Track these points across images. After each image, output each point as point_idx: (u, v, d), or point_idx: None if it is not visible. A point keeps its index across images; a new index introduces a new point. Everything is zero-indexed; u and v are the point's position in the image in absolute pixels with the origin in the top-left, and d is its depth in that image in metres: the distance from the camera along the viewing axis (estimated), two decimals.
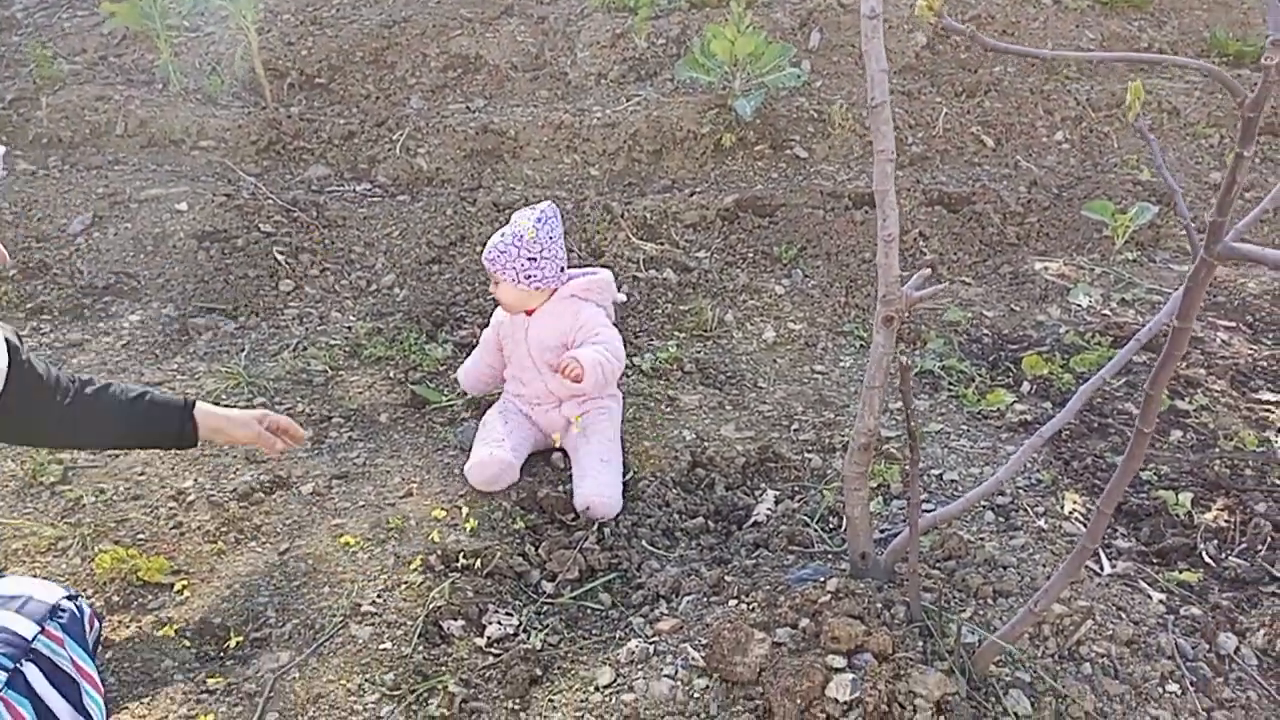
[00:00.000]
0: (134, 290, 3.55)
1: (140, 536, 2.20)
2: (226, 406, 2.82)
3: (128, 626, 1.93)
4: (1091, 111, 4.80)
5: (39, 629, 1.59)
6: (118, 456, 2.56)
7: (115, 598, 2.01)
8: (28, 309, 3.41)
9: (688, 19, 5.18)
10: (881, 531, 2.27)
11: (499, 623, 1.94)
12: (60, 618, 1.65)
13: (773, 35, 4.88)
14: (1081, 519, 2.35)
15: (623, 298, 2.82)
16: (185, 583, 2.06)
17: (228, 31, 4.99)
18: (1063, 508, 2.38)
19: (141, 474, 2.46)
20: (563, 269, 2.63)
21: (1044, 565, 2.06)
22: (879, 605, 1.81)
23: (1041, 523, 2.29)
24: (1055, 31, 5.30)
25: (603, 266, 3.72)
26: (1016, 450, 2.63)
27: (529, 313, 2.63)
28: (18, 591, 1.65)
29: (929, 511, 2.02)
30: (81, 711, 1.59)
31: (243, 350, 3.19)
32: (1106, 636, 1.86)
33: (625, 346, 3.28)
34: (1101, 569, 2.12)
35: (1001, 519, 2.31)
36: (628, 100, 4.73)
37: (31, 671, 1.55)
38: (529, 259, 2.55)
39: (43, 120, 4.48)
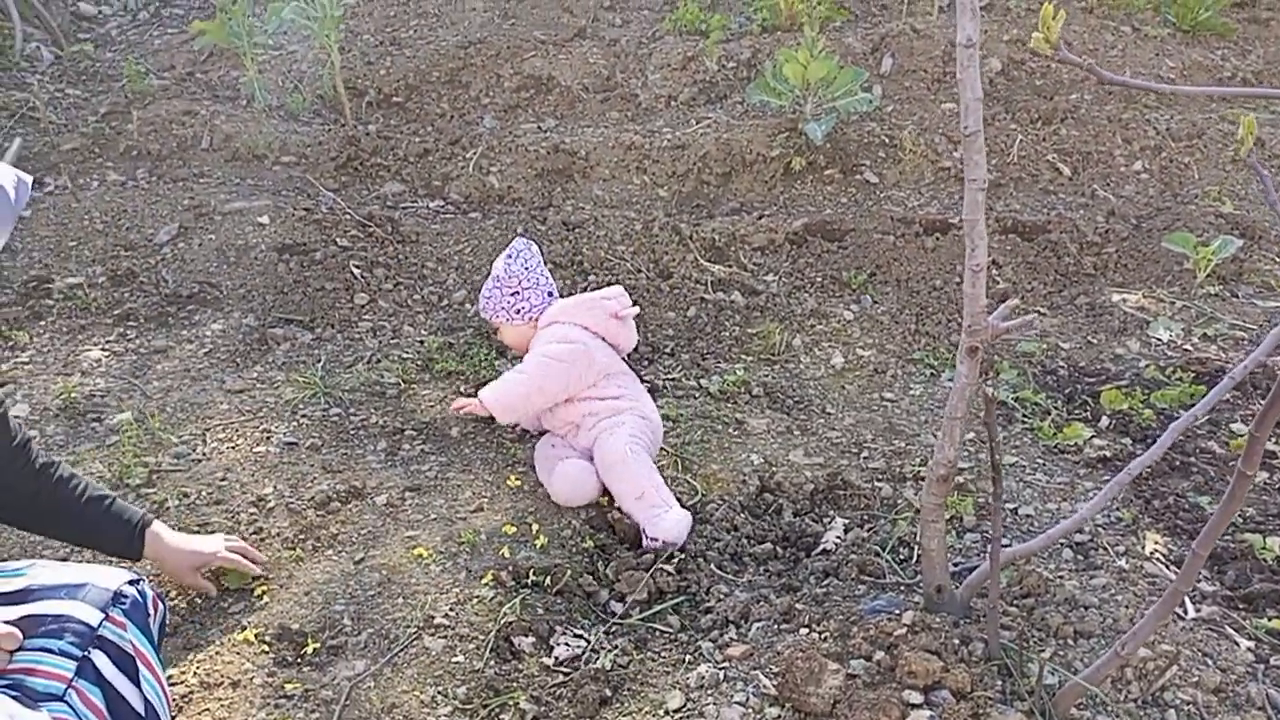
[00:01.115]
0: (216, 300, 3.66)
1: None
2: (302, 417, 2.89)
3: (209, 629, 1.98)
4: (1171, 141, 4.70)
5: (103, 615, 1.60)
6: (200, 461, 2.63)
7: (198, 599, 2.06)
8: (115, 315, 3.52)
9: (759, 43, 5.19)
10: (955, 565, 2.24)
11: (568, 643, 1.95)
12: (123, 603, 1.64)
13: (845, 60, 4.87)
14: (1164, 560, 2.28)
15: (632, 312, 2.78)
16: (265, 588, 2.11)
17: (310, 50, 5.13)
18: (1144, 548, 2.32)
19: (223, 480, 2.53)
20: (550, 294, 2.69)
21: (1126, 607, 2.01)
22: (956, 641, 1.78)
23: (1122, 562, 2.23)
24: (1134, 60, 5.21)
25: (669, 287, 3.75)
26: (1095, 487, 2.58)
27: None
28: (81, 579, 1.65)
29: (1007, 547, 1.98)
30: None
31: (319, 361, 3.26)
32: (1192, 683, 1.80)
33: (693, 369, 3.29)
34: (1186, 613, 2.06)
35: (1081, 557, 2.26)
36: (697, 122, 4.75)
37: (100, 659, 1.56)
38: (511, 294, 2.73)
39: (133, 133, 4.65)
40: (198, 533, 2.29)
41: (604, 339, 2.73)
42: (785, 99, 4.38)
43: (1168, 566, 2.25)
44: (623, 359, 2.81)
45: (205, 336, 3.44)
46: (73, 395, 2.95)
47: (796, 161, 4.40)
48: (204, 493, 2.46)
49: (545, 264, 2.98)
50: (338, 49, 4.74)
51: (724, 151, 4.49)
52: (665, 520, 2.29)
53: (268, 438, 2.77)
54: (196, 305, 3.63)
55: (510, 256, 2.79)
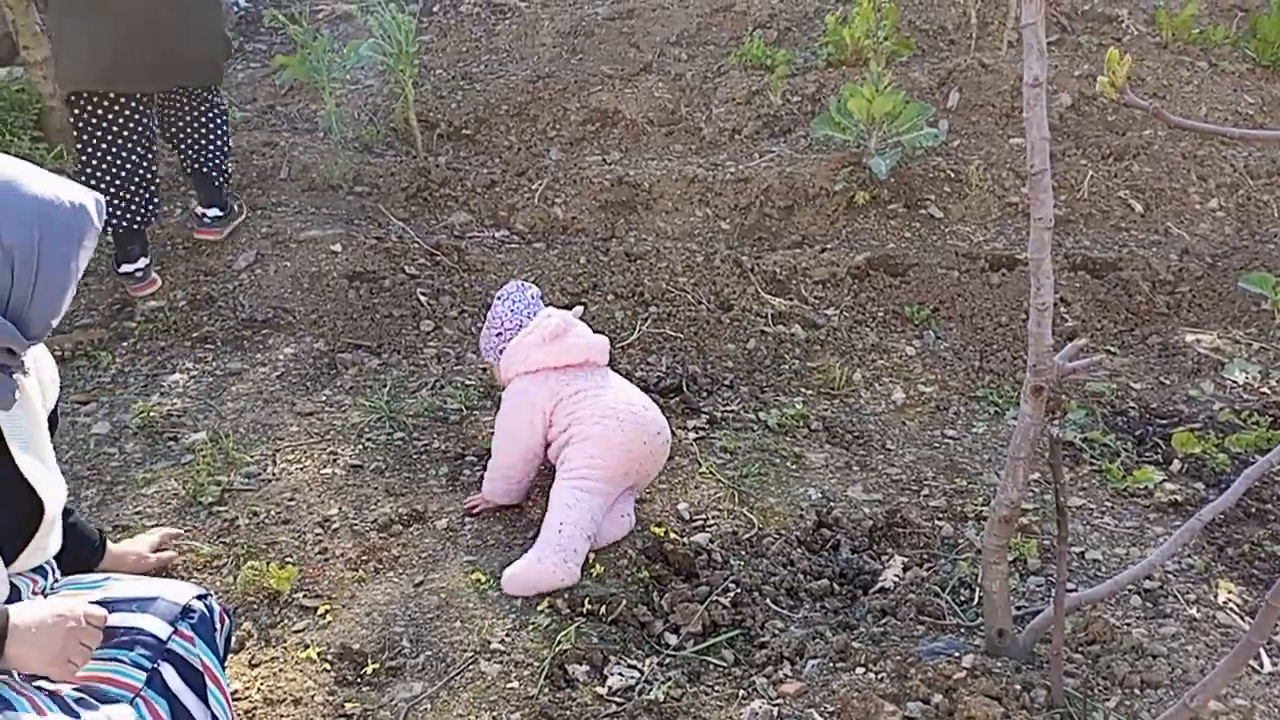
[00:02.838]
0: (289, 325, 3.77)
1: (288, 560, 2.31)
2: (367, 441, 2.96)
3: (274, 646, 2.03)
4: (1250, 179, 4.58)
5: (172, 629, 1.62)
6: (270, 481, 2.71)
7: (264, 618, 2.12)
8: (193, 338, 3.66)
9: (824, 77, 5.21)
10: (1018, 609, 2.19)
11: (621, 672, 1.96)
12: (191, 617, 1.67)
13: (911, 94, 4.85)
14: (1238, 610, 2.21)
15: (561, 320, 2.70)
16: (328, 607, 2.16)
17: (386, 85, 5.29)
18: (1216, 596, 2.25)
19: (291, 500, 2.60)
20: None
21: (1197, 657, 1.95)
22: (1018, 687, 1.74)
23: (1193, 611, 2.16)
24: (1210, 95, 5.09)
25: (730, 319, 3.76)
26: (1165, 532, 2.52)
27: None
28: (153, 593, 1.67)
29: (1072, 591, 1.94)
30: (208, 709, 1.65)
31: (385, 386, 3.34)
32: None
33: (751, 401, 3.29)
34: (1261, 666, 1.99)
35: (1149, 604, 2.20)
36: (760, 156, 4.78)
37: (168, 671, 1.59)
38: (496, 335, 2.75)
39: None
40: (266, 551, 2.36)
41: (566, 366, 2.61)
42: (850, 134, 4.39)
43: (1242, 617, 2.18)
44: (602, 367, 2.71)
45: (278, 360, 3.55)
46: (151, 414, 3.07)
47: (860, 196, 4.39)
48: (273, 512, 2.54)
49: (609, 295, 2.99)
50: (411, 83, 4.88)
51: (787, 185, 4.50)
52: (517, 564, 2.24)
53: (334, 460, 2.85)
54: (270, 330, 3.75)
55: (500, 298, 2.81)
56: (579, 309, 2.85)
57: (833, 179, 4.45)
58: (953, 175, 4.53)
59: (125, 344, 3.59)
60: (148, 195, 3.77)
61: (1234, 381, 3.33)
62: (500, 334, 2.74)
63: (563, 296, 3.90)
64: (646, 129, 5.15)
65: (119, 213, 3.70)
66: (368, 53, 4.81)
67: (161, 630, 1.62)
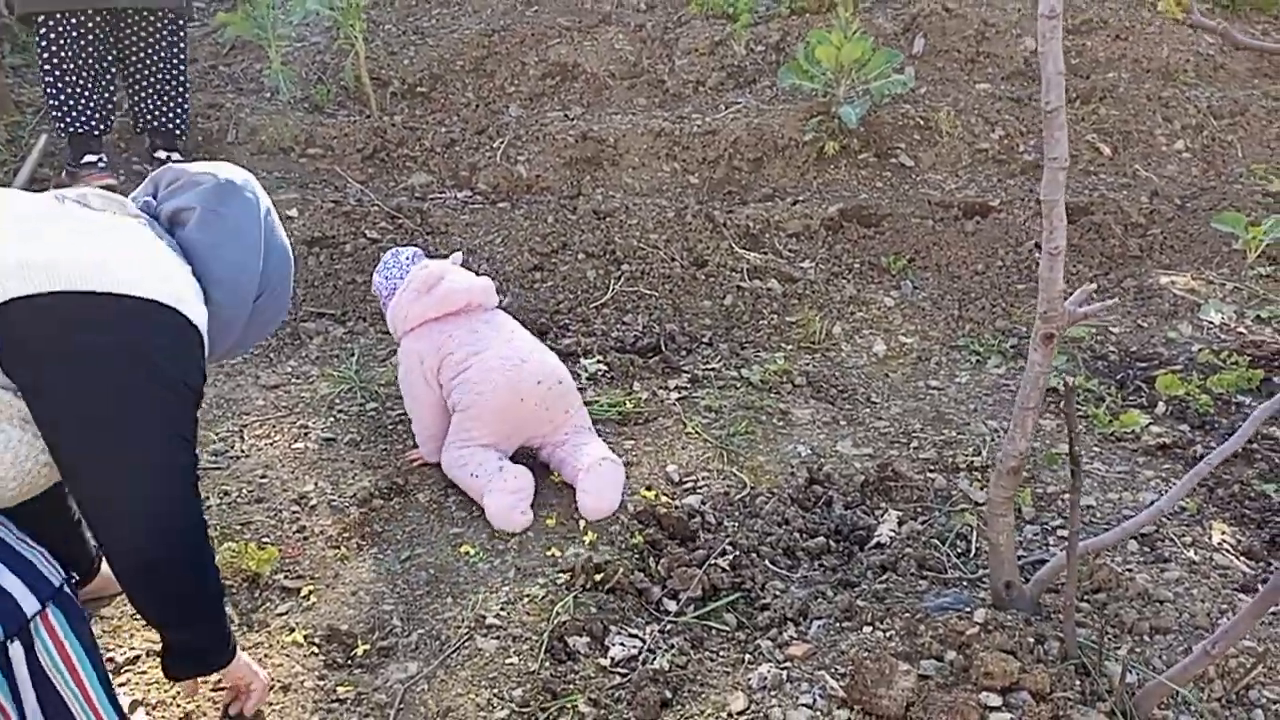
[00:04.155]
0: None
1: (265, 540, 2.21)
2: (339, 412, 2.85)
3: (257, 631, 1.94)
4: (1213, 120, 4.58)
5: (40, 606, 1.44)
6: (239, 459, 2.59)
7: (245, 602, 2.02)
8: None
9: (787, 25, 5.10)
10: (1017, 559, 2.16)
11: (623, 642, 1.90)
12: (62, 601, 1.48)
13: (876, 41, 4.77)
14: (1233, 551, 2.21)
15: (455, 257, 2.71)
16: (311, 588, 2.06)
17: (334, 41, 5.08)
18: (1211, 538, 2.25)
19: (264, 477, 2.49)
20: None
21: (1202, 601, 1.94)
22: (1031, 640, 1.71)
23: (1191, 554, 2.15)
24: (1172, 37, 5.07)
25: (704, 276, 3.67)
26: (1155, 475, 2.51)
27: None
28: (30, 556, 1.49)
29: (1065, 545, 1.91)
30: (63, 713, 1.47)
31: (353, 355, 3.22)
32: (1278, 682, 1.73)
33: (732, 358, 3.23)
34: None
35: (1148, 549, 2.19)
36: (727, 108, 4.67)
37: (15, 651, 1.41)
38: (384, 306, 2.70)
39: None
40: (241, 532, 2.25)
41: (447, 316, 2.53)
42: (818, 82, 4.29)
43: (1237, 557, 2.17)
44: (493, 314, 2.64)
45: None
46: None
47: (830, 146, 4.31)
48: (245, 491, 2.42)
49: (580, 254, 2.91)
50: (361, 39, 4.68)
51: (755, 137, 4.41)
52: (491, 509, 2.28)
53: (305, 434, 2.73)
54: None
55: (376, 271, 2.77)
56: (457, 255, 2.77)
57: (802, 129, 4.36)
58: (922, 123, 4.46)
59: None
60: (105, 100, 4.02)
61: (1210, 322, 3.34)
62: (384, 304, 2.66)
63: (531, 257, 3.79)
64: (608, 82, 5.01)
65: (82, 117, 3.96)
66: (314, 6, 4.60)
67: (29, 605, 1.43)
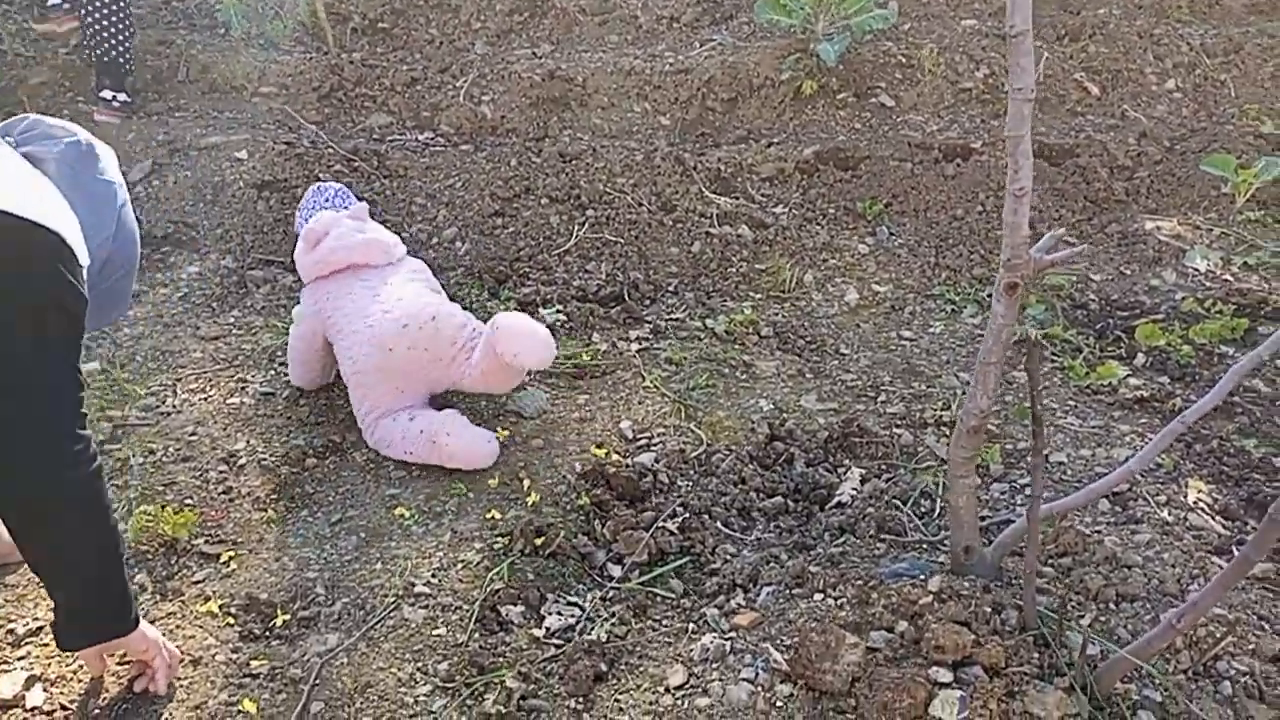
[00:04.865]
0: (193, 240, 3.46)
1: (188, 501, 2.09)
2: (280, 365, 2.71)
3: (170, 600, 1.82)
4: (1206, 58, 4.40)
5: None
6: (170, 415, 2.46)
7: (160, 569, 1.90)
8: None
9: None
10: (982, 519, 2.05)
11: (560, 611, 1.79)
12: None
13: None
14: (1208, 509, 2.10)
15: (359, 208, 2.63)
16: (232, 553, 1.94)
17: None
18: (1186, 497, 2.14)
19: (193, 434, 2.36)
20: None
21: (1172, 565, 1.83)
22: (988, 609, 1.61)
23: (1165, 514, 2.04)
24: None
25: (673, 221, 3.51)
26: (1131, 430, 2.39)
27: None
28: None
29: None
30: None
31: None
32: (1248, 651, 1.63)
33: (698, 308, 3.09)
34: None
35: (1119, 509, 2.08)
36: (702, 45, 4.47)
37: None
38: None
39: None
40: (163, 492, 2.13)
41: (334, 274, 2.46)
42: (796, 17, 4.09)
43: (1213, 517, 2.07)
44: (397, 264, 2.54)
45: (181, 280, 3.24)
46: None
47: (807, 85, 4.12)
48: (171, 449, 2.29)
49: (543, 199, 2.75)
50: None
51: (730, 76, 4.22)
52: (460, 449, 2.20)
53: (243, 388, 2.60)
54: (171, 247, 3.43)
55: (298, 208, 2.76)
56: (362, 205, 2.66)
57: (778, 68, 4.17)
58: (904, 60, 4.27)
59: None
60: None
61: (1195, 269, 3.20)
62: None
63: (493, 202, 3.62)
64: (579, 18, 4.79)
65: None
66: None
67: None
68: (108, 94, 4.04)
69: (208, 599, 1.82)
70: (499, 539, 1.97)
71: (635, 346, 2.83)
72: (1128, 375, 2.63)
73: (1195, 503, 2.12)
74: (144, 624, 1.57)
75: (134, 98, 4.13)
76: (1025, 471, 2.26)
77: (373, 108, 4.31)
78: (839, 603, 1.71)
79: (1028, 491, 2.19)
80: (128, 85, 4.10)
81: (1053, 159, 3.78)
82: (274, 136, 3.90)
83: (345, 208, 2.76)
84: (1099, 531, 1.96)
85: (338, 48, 4.58)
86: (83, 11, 3.91)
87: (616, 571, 1.94)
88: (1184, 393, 2.56)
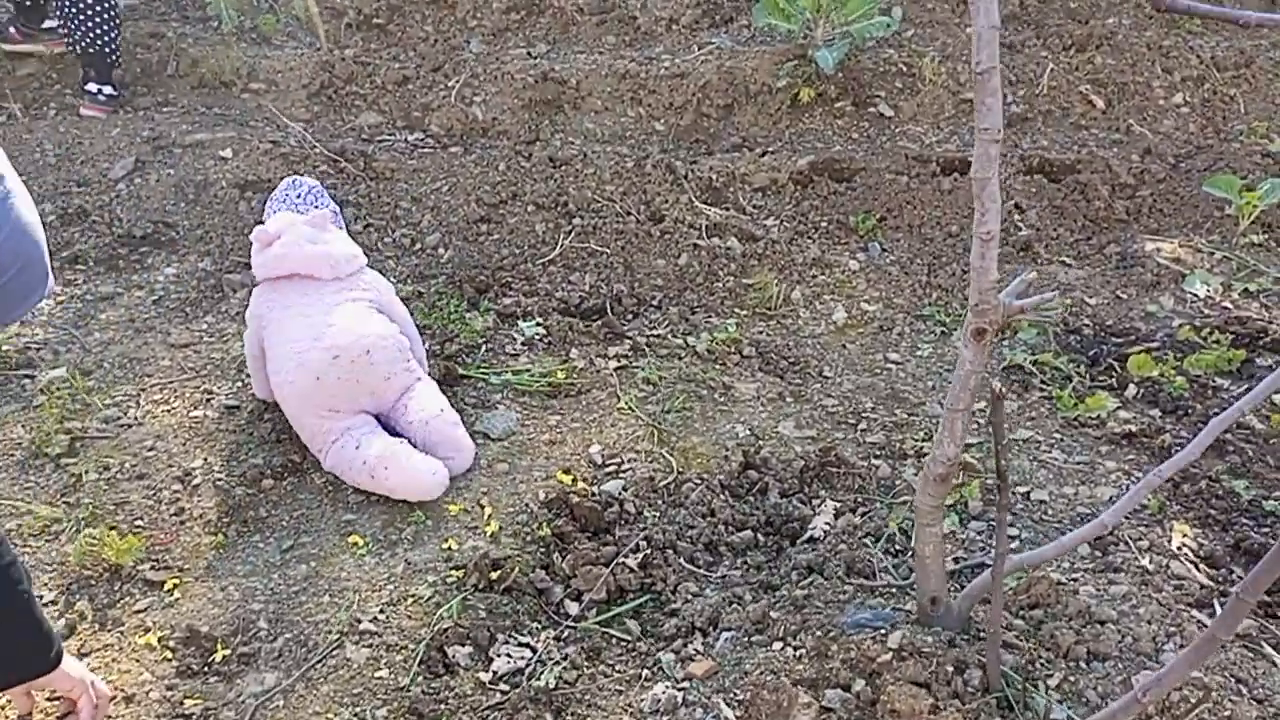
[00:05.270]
0: (172, 241, 3.40)
1: (138, 523, 2.04)
2: (249, 376, 2.64)
3: (109, 631, 1.77)
4: (1216, 71, 4.29)
5: None
6: (130, 427, 2.40)
7: (102, 597, 1.85)
8: (63, 258, 3.27)
9: None
10: (956, 562, 1.99)
11: (509, 654, 1.73)
12: None
13: None
14: (1193, 556, 2.02)
15: (319, 215, 2.55)
16: (177, 581, 1.89)
17: None
18: (1170, 541, 2.06)
19: (151, 449, 2.30)
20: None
21: (1149, 621, 1.76)
22: (950, 668, 1.54)
23: (1146, 561, 1.97)
24: None
25: (660, 232, 3.44)
26: (1117, 467, 2.32)
27: None
28: None
29: (1014, 551, 1.72)
30: None
31: None
32: (1223, 718, 1.56)
33: (681, 324, 3.02)
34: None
35: (1098, 554, 2.00)
36: (699, 48, 4.38)
37: None
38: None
39: None
40: (113, 513, 2.07)
41: (279, 279, 2.40)
42: (794, 22, 4.00)
43: (1197, 566, 1.99)
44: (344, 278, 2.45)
45: (156, 282, 3.19)
46: (4, 348, 2.73)
47: (805, 92, 4.04)
48: (127, 464, 2.24)
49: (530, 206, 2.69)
50: None
51: (726, 81, 4.13)
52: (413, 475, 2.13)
53: (208, 400, 2.54)
54: (150, 247, 3.38)
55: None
56: (324, 212, 2.58)
57: (775, 74, 4.08)
58: (905, 69, 4.18)
59: None
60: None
61: (1195, 295, 3.11)
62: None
63: (479, 207, 3.55)
64: (576, 18, 4.70)
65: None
66: None
67: None
68: (93, 87, 3.98)
69: (148, 630, 1.77)
70: (453, 572, 1.91)
71: (613, 364, 2.76)
72: (1117, 408, 2.55)
73: (1179, 548, 2.04)
74: (70, 661, 1.51)
75: (121, 91, 4.07)
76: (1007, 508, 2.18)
77: (363, 106, 4.24)
78: (797, 653, 1.64)
79: (1008, 531, 2.12)
80: (114, 78, 4.04)
81: (1053, 175, 3.69)
82: (260, 135, 3.84)
83: (315, 208, 2.69)
84: (1075, 580, 1.88)
85: (330, 44, 4.51)
86: (65, 2, 3.83)
87: (574, 609, 1.88)
88: (1174, 428, 2.47)
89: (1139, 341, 2.86)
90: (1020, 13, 4.54)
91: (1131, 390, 2.65)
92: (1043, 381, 2.71)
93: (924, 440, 2.42)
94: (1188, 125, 4.10)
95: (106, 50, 3.96)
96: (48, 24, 4.11)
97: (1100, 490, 2.24)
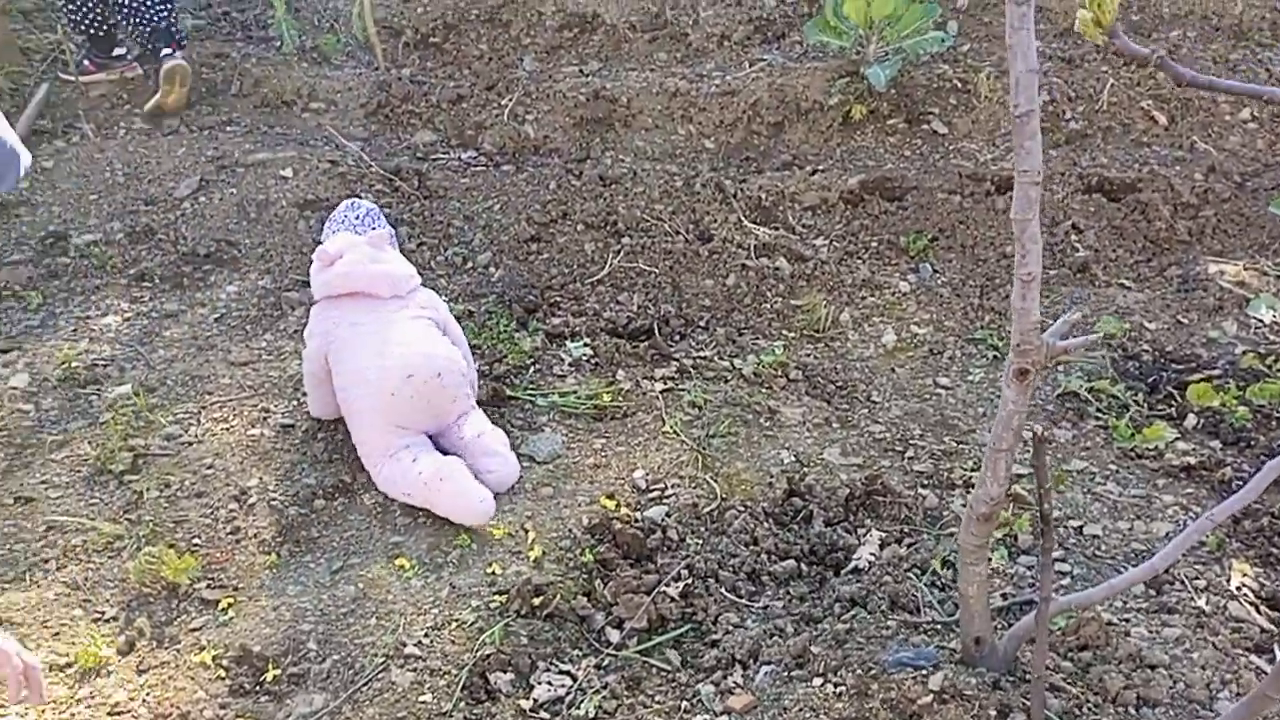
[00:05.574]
0: (234, 259, 3.49)
1: (196, 541, 2.10)
2: (304, 394, 2.71)
3: (166, 648, 1.83)
4: None
5: None
6: (191, 445, 2.48)
7: (160, 614, 1.91)
8: (130, 275, 3.39)
9: None
10: (1003, 598, 1.96)
11: (550, 682, 1.74)
12: None
13: None
14: (1253, 596, 1.97)
15: (379, 234, 2.61)
16: (231, 600, 1.94)
17: None
18: (1229, 580, 2.01)
19: (210, 468, 2.37)
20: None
21: (1203, 667, 1.71)
22: (992, 712, 1.52)
23: (1202, 602, 1.92)
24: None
25: (708, 252, 3.44)
26: (1175, 502, 2.27)
27: None
28: None
29: (1061, 583, 1.69)
30: None
31: None
32: None
33: (727, 345, 3.02)
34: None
35: (1152, 593, 1.96)
36: (751, 65, 4.38)
37: None
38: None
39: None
40: (172, 530, 2.14)
41: (339, 297, 2.47)
42: (846, 39, 3.98)
43: (1257, 608, 1.94)
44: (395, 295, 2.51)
45: (219, 300, 3.28)
46: (74, 365, 2.83)
47: (856, 110, 4.01)
48: (187, 482, 2.31)
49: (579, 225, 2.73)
50: None
51: (777, 98, 4.12)
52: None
53: (265, 418, 2.61)
54: (213, 265, 3.47)
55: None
56: (382, 232, 2.64)
57: (827, 91, 4.06)
58: (960, 85, 4.13)
59: (57, 282, 3.33)
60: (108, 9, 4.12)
61: (1260, 320, 3.02)
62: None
63: (529, 226, 3.59)
64: (628, 35, 4.73)
65: (99, 17, 4.12)
66: None
67: None
68: (165, 52, 4.13)
69: (203, 648, 1.82)
70: (496, 597, 1.94)
71: (659, 387, 2.78)
72: (1176, 439, 2.48)
73: (1238, 589, 1.98)
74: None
75: (128, 52, 4.29)
76: (1058, 542, 2.14)
77: (418, 125, 4.32)
78: (837, 691, 1.64)
79: (1059, 567, 2.08)
80: (180, 42, 4.21)
81: (1112, 194, 3.61)
82: (319, 154, 3.93)
83: (373, 229, 2.76)
84: (1126, 621, 1.84)
85: (388, 63, 4.61)
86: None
87: (615, 637, 1.89)
88: (1236, 461, 2.41)
89: (1200, 369, 2.79)
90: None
91: (1191, 420, 2.58)
92: (1098, 410, 2.65)
93: (973, 469, 2.39)
94: (1255, 142, 3.98)
95: (166, 21, 4.11)
96: (117, 51, 4.28)
97: (1157, 526, 2.19)
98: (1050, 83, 4.13)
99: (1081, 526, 2.19)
